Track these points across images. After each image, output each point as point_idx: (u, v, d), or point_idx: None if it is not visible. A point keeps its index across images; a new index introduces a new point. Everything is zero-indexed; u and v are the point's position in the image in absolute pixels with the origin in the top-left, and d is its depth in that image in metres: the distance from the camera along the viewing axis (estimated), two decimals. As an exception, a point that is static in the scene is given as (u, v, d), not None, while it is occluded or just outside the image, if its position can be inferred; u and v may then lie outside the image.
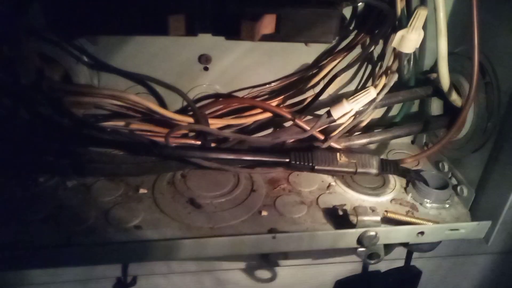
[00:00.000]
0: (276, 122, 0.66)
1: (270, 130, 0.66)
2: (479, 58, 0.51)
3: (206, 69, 0.64)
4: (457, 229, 0.58)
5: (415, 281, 0.85)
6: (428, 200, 0.61)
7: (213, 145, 0.62)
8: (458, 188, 0.63)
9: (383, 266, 0.88)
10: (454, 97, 0.59)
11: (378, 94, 0.58)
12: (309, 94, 0.65)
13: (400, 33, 0.53)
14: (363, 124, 0.65)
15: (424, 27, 0.56)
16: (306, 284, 0.91)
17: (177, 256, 0.54)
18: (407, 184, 0.65)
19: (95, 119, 0.59)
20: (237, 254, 0.55)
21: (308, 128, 0.60)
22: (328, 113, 0.58)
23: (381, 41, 0.62)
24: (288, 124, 0.64)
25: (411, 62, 0.59)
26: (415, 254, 0.86)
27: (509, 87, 0.54)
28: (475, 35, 0.50)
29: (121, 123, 0.59)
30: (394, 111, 0.69)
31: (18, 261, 0.51)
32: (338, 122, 0.59)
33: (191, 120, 0.60)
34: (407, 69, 0.59)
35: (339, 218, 0.59)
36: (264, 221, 0.58)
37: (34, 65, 0.51)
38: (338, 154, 0.58)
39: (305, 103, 0.64)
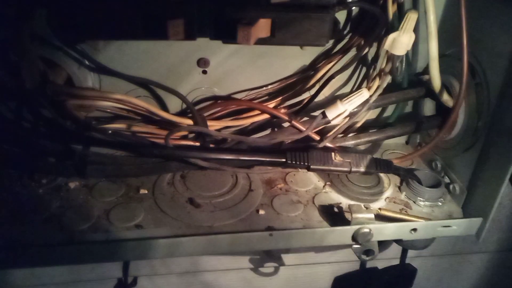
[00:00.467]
0: (273, 123, 0.67)
1: (268, 131, 0.67)
2: (468, 59, 0.53)
3: (204, 72, 0.65)
4: (449, 226, 0.59)
5: (411, 279, 0.87)
6: (421, 198, 0.63)
7: (212, 146, 0.63)
8: (451, 186, 0.64)
9: (381, 265, 0.90)
10: (446, 98, 0.60)
11: (371, 95, 0.59)
12: (306, 96, 0.66)
13: (391, 36, 0.55)
14: (358, 124, 0.67)
15: (417, 30, 0.57)
16: (305, 280, 0.93)
17: (177, 253, 0.55)
18: (401, 183, 0.66)
19: (97, 121, 0.61)
20: (235, 251, 0.57)
21: (303, 128, 0.61)
22: (323, 114, 0.60)
23: (375, 44, 0.63)
24: (285, 125, 0.65)
25: (404, 64, 0.61)
26: (411, 253, 0.88)
27: (498, 88, 0.56)
28: (464, 36, 0.52)
29: (122, 126, 0.61)
30: (389, 111, 0.71)
31: (23, 259, 0.52)
32: (333, 122, 0.61)
33: (190, 122, 0.61)
34: (400, 71, 0.61)
35: (335, 216, 0.60)
36: (262, 219, 0.59)
37: (38, 70, 0.52)
38: (333, 154, 0.60)
39: (302, 104, 0.66)
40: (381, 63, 0.61)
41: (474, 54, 0.58)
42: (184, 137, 0.64)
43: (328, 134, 0.62)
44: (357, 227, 0.56)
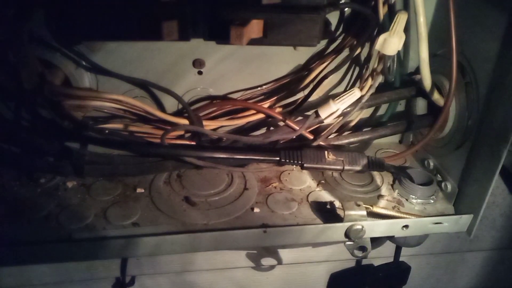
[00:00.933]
0: (268, 122, 0.68)
1: (263, 131, 0.68)
2: (457, 59, 0.54)
3: (200, 73, 0.66)
4: (440, 223, 0.60)
5: (405, 276, 0.88)
6: (414, 196, 0.64)
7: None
8: (443, 184, 0.65)
9: (377, 263, 0.91)
10: (436, 97, 0.61)
11: (364, 95, 0.60)
12: (300, 96, 0.67)
13: (382, 37, 0.56)
14: (352, 123, 0.67)
15: (408, 31, 0.59)
16: (302, 277, 0.94)
17: (173, 250, 0.56)
18: (393, 181, 0.67)
19: (94, 121, 0.62)
20: (230, 248, 0.58)
21: (297, 128, 0.62)
22: (316, 113, 0.61)
23: (367, 44, 0.64)
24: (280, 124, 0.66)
25: (395, 64, 0.62)
26: (407, 252, 0.89)
27: (488, 87, 0.57)
28: (453, 36, 0.53)
29: (119, 125, 0.61)
30: (382, 110, 0.72)
31: (22, 256, 0.54)
32: (326, 122, 0.62)
33: (186, 122, 0.62)
34: (392, 71, 0.62)
35: (328, 213, 0.61)
36: (256, 217, 0.60)
37: (36, 70, 0.53)
38: (326, 152, 0.61)
39: (296, 104, 0.67)
40: (373, 63, 0.62)
41: (464, 54, 0.59)
42: (180, 137, 0.65)
43: (322, 133, 0.63)
44: (349, 224, 0.57)
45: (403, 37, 0.56)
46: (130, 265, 0.83)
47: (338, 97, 0.59)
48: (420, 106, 0.70)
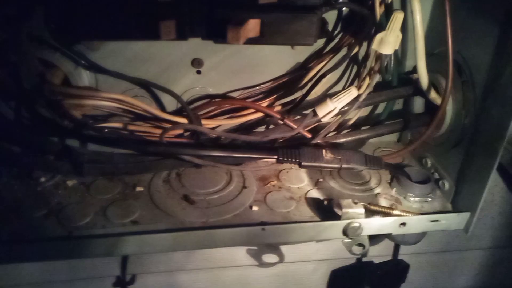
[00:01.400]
0: (267, 121, 0.68)
1: (262, 129, 0.68)
2: (454, 58, 0.54)
3: (199, 72, 0.66)
4: (437, 220, 0.60)
5: (403, 274, 0.88)
6: (411, 194, 0.64)
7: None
8: (440, 182, 0.66)
9: (377, 261, 0.91)
10: (433, 96, 0.62)
11: (361, 93, 0.61)
12: (298, 95, 0.67)
13: (379, 36, 0.56)
14: (350, 122, 0.68)
15: (405, 30, 0.59)
16: (303, 274, 0.94)
17: (172, 248, 0.57)
18: (391, 179, 0.68)
19: (93, 120, 0.62)
20: (228, 245, 0.58)
21: (295, 126, 0.62)
22: (314, 112, 0.61)
23: (365, 43, 0.64)
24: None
25: (392, 63, 0.62)
26: (406, 250, 0.89)
27: (484, 85, 0.57)
28: (449, 35, 0.53)
29: (118, 124, 0.62)
30: (380, 109, 0.72)
31: (22, 255, 0.54)
32: (324, 120, 0.62)
33: (185, 120, 0.62)
34: (389, 70, 0.62)
35: (326, 211, 0.61)
36: (255, 215, 0.61)
37: (36, 70, 0.54)
38: (324, 151, 0.61)
39: (294, 103, 0.67)
40: (371, 62, 0.63)
41: (461, 53, 0.60)
42: (179, 136, 0.65)
43: (320, 132, 0.64)
44: (347, 221, 0.57)
45: (400, 36, 0.56)
46: (130, 263, 0.84)
47: (335, 96, 0.60)
48: (418, 104, 0.71)
